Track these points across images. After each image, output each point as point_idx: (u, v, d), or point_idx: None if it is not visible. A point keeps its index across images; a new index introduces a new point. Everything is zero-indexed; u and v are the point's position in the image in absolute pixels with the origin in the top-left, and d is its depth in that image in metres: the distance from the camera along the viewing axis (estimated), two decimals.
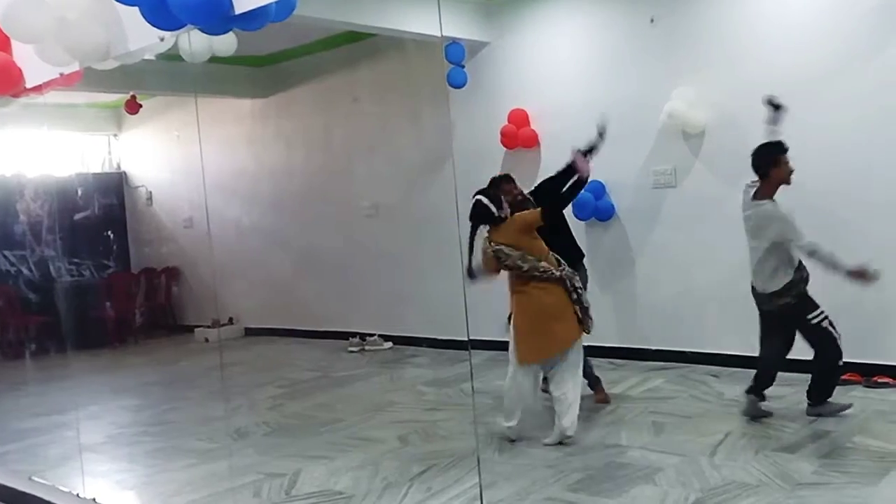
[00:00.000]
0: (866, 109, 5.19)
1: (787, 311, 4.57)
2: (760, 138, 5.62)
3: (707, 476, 3.83)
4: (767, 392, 4.75)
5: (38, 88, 4.32)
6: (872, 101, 5.16)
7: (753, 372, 5.58)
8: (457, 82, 6.78)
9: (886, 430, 4.26)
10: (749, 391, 4.71)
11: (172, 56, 4.79)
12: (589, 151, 5.07)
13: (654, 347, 6.22)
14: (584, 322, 4.51)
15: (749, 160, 5.66)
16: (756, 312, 5.68)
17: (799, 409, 4.75)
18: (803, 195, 5.48)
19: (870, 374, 5.15)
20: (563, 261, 4.63)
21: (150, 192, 10.69)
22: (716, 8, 5.83)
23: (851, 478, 3.66)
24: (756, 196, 4.60)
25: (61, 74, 4.06)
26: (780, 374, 5.48)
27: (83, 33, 3.70)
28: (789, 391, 5.11)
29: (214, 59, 5.53)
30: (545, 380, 4.79)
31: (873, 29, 5.15)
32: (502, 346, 6.03)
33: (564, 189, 4.79)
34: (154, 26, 3.31)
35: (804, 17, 5.43)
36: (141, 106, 8.55)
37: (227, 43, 5.20)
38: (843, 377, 5.18)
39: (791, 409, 4.77)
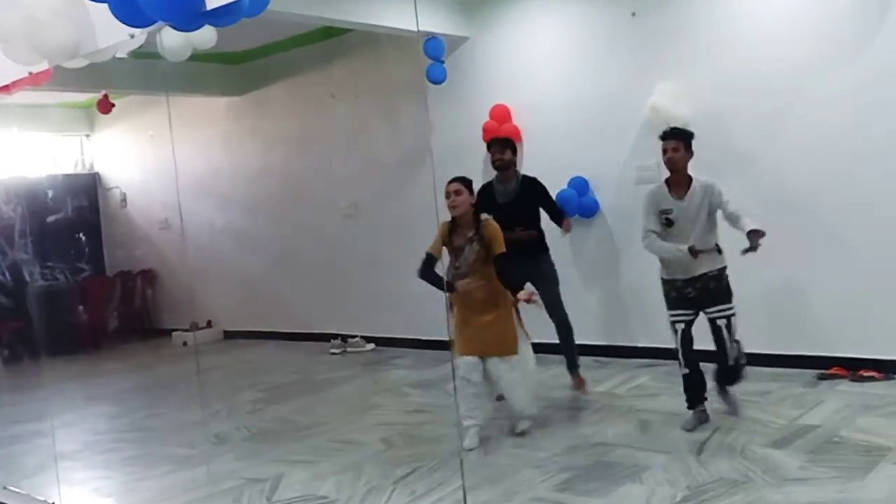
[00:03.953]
0: (851, 104, 5.18)
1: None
2: (744, 132, 5.64)
3: (694, 473, 3.80)
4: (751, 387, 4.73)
5: (6, 88, 4.22)
6: (857, 97, 5.15)
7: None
8: (436, 78, 6.72)
9: (872, 425, 4.26)
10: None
11: (144, 54, 4.71)
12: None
13: (639, 345, 6.20)
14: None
15: (731, 155, 5.70)
16: (741, 305, 5.70)
17: (786, 404, 4.74)
18: (787, 192, 5.50)
19: (855, 369, 5.15)
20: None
21: (125, 194, 10.52)
22: (697, 2, 5.80)
23: (838, 472, 3.65)
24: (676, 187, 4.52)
25: (30, 74, 3.96)
26: (767, 369, 5.50)
27: (51, 31, 3.60)
28: (776, 386, 5.12)
29: (188, 57, 5.43)
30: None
31: (857, 24, 5.14)
32: None
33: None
34: (123, 23, 3.22)
35: (788, 10, 5.41)
36: (114, 105, 8.41)
37: (205, 37, 5.09)
38: (829, 371, 5.21)
39: (777, 405, 4.75)
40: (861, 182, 5.18)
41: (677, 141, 4.48)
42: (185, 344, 9.21)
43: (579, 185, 6.34)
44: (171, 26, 3.27)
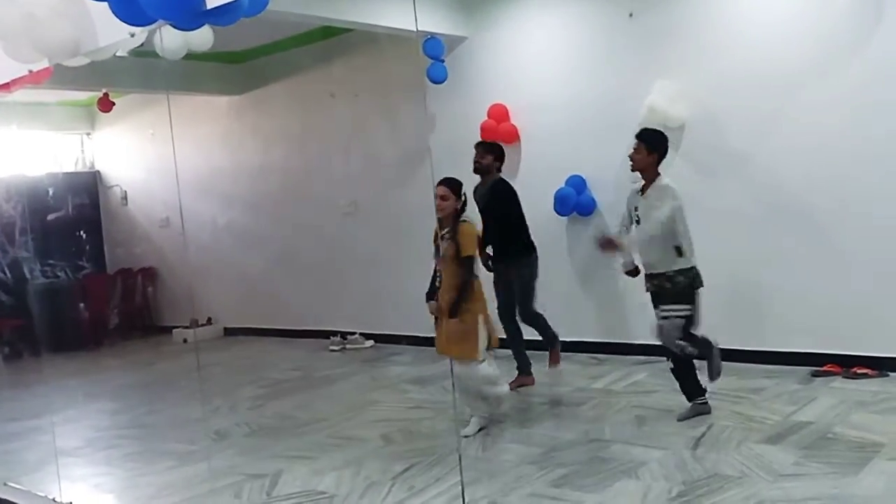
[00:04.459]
0: (847, 106, 5.20)
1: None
2: (740, 133, 5.68)
3: (690, 469, 3.83)
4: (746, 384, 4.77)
5: (6, 86, 4.24)
6: (853, 98, 5.17)
7: (734, 365, 5.65)
8: (437, 78, 6.74)
9: (866, 421, 4.29)
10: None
11: (144, 53, 4.73)
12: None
13: (636, 342, 6.23)
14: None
15: (727, 155, 5.74)
16: (737, 304, 5.75)
17: (780, 401, 4.77)
18: (782, 191, 5.53)
19: (849, 366, 5.18)
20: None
21: (125, 192, 10.56)
22: (695, 2, 5.82)
23: (832, 468, 3.68)
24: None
25: (30, 72, 3.99)
26: (761, 365, 5.55)
27: (51, 29, 3.63)
28: (770, 383, 5.16)
29: (188, 56, 5.46)
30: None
31: (854, 25, 5.16)
32: None
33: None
34: (124, 22, 3.24)
35: (785, 11, 5.43)
36: (114, 104, 8.45)
37: (203, 38, 5.12)
38: (823, 368, 5.25)
39: (772, 401, 4.79)
40: (856, 183, 5.21)
41: (638, 141, 4.59)
42: (185, 341, 9.24)
43: (577, 184, 6.37)
44: (171, 25, 3.30)
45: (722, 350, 5.77)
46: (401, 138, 7.62)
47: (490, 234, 5.33)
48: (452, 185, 4.70)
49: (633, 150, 4.59)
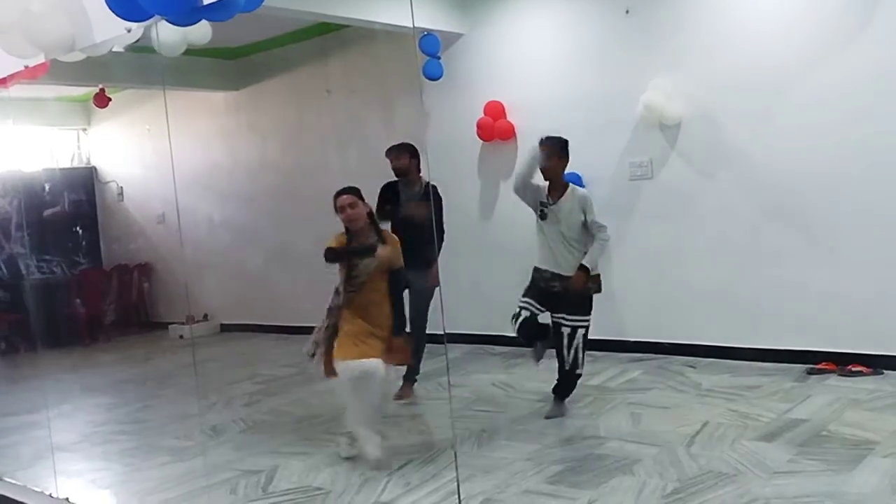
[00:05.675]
0: (843, 103, 5.20)
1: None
2: (736, 130, 5.69)
3: (684, 466, 3.84)
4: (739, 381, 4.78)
5: (2, 81, 4.24)
6: (849, 95, 5.17)
7: (729, 362, 5.67)
8: (433, 74, 6.74)
9: (860, 419, 4.30)
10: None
11: (141, 48, 4.72)
12: None
13: (631, 339, 6.24)
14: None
15: (723, 152, 5.75)
16: (732, 301, 5.76)
17: (776, 398, 4.79)
18: (778, 188, 5.54)
19: (844, 364, 5.20)
20: None
21: (122, 188, 10.55)
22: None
23: (827, 465, 3.69)
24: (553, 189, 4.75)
25: (26, 67, 3.99)
26: (756, 363, 5.57)
27: (48, 24, 3.63)
28: (766, 380, 5.17)
29: (184, 52, 5.44)
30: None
31: (850, 23, 5.16)
32: (480, 339, 6.05)
33: None
34: (120, 17, 3.24)
35: (782, 8, 5.44)
36: (111, 99, 8.44)
37: (201, 32, 5.10)
38: (818, 366, 5.27)
39: (767, 399, 4.80)
40: (852, 180, 5.21)
41: (549, 150, 4.65)
42: (181, 337, 9.24)
43: (573, 181, 6.33)
44: (167, 21, 3.31)
45: (717, 347, 5.84)
46: (397, 135, 7.56)
47: (411, 240, 4.98)
48: (357, 192, 4.56)
49: (545, 159, 4.64)
